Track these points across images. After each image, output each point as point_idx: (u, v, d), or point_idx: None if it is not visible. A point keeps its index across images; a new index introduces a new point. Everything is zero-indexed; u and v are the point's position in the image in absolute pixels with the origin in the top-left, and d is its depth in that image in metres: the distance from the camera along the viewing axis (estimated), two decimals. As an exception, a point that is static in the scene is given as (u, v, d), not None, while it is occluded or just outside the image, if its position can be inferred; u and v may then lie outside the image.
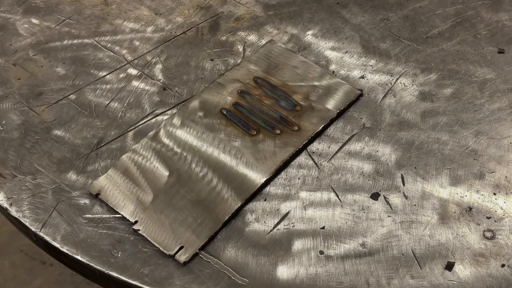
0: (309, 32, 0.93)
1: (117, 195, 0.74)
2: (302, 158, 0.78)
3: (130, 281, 0.68)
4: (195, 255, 0.69)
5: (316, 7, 0.96)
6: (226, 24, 0.94)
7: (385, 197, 0.74)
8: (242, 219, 0.72)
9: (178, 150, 0.78)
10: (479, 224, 0.72)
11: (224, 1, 0.98)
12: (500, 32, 0.92)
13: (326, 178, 0.76)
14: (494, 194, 0.74)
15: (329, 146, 0.79)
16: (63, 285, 1.60)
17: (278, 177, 0.76)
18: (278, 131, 0.79)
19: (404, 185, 0.75)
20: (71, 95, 0.85)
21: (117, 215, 0.72)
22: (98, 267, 0.69)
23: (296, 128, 0.80)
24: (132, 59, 0.89)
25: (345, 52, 0.90)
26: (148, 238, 0.70)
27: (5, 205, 0.74)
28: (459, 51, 0.89)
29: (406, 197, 0.74)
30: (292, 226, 0.72)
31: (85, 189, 0.75)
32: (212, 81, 0.86)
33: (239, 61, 0.88)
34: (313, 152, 0.78)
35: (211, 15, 0.96)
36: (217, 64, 0.89)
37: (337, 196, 0.74)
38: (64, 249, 0.70)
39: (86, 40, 0.92)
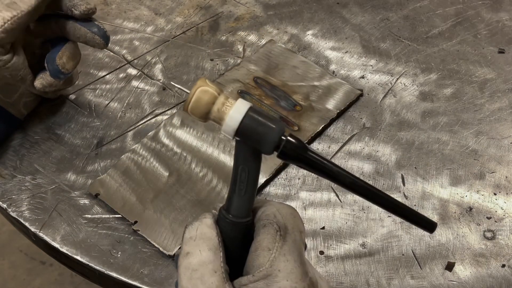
0: (309, 32, 0.92)
1: (117, 195, 0.74)
2: (302, 158, 0.78)
3: (129, 281, 0.68)
4: (195, 255, 0.69)
5: (316, 7, 0.96)
6: (226, 24, 0.94)
7: (385, 197, 0.74)
8: (242, 219, 0.72)
9: (178, 150, 0.78)
10: (480, 224, 0.71)
11: (224, 1, 0.97)
12: (500, 32, 0.92)
13: (326, 178, 0.76)
14: (495, 194, 0.74)
15: (329, 146, 0.79)
16: (63, 285, 1.60)
17: (278, 177, 0.76)
18: (278, 131, 0.79)
19: (404, 185, 0.75)
20: (70, 95, 0.84)
21: (116, 215, 0.72)
22: (97, 268, 0.69)
23: (296, 128, 0.79)
24: (132, 59, 0.89)
25: (345, 52, 0.90)
26: (148, 238, 0.70)
27: (5, 205, 0.74)
28: (459, 51, 0.89)
29: (406, 197, 0.74)
30: (292, 226, 0.71)
31: (84, 189, 0.75)
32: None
33: (239, 61, 0.88)
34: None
35: (211, 15, 0.95)
36: (217, 64, 0.88)
37: (337, 196, 0.74)
38: (64, 249, 0.70)
39: (85, 40, 0.92)
